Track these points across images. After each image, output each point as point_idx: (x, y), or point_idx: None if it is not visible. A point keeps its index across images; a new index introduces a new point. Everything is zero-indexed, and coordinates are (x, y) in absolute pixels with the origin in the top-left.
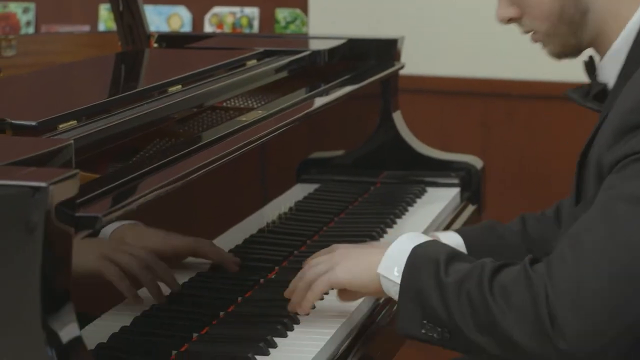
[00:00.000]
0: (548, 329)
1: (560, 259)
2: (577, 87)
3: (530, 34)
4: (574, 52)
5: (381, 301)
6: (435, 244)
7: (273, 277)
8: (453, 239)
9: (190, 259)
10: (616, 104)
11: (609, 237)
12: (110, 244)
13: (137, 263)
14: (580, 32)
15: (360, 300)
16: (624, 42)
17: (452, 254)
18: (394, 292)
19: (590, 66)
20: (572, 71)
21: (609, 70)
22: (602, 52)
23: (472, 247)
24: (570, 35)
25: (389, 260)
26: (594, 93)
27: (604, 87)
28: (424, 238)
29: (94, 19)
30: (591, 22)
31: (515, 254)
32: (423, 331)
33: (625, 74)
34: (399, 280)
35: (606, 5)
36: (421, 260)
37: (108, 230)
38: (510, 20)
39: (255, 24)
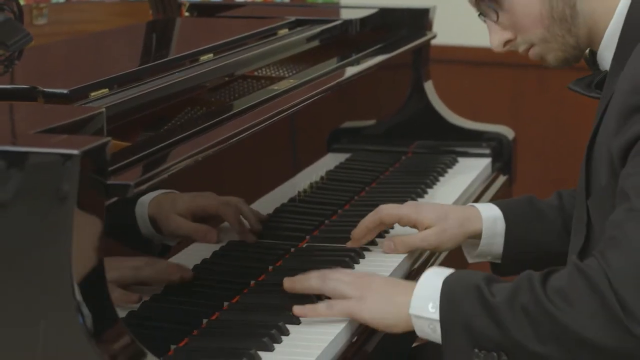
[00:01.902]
0: (620, 316)
1: (613, 247)
2: (580, 79)
3: (529, 51)
4: (575, 54)
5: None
6: (465, 272)
7: (304, 246)
8: (492, 211)
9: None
10: (616, 88)
11: None
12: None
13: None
14: (575, 28)
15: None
16: (615, 26)
17: (489, 277)
18: (430, 331)
19: (591, 57)
20: None
21: (607, 57)
22: (598, 44)
23: (510, 219)
24: (566, 34)
25: (419, 299)
26: (597, 82)
27: (605, 74)
28: (449, 271)
29: None
30: (582, 14)
31: (552, 228)
32: None
33: (619, 56)
34: (436, 316)
35: None
36: (458, 289)
37: (146, 200)
38: (506, 44)
39: None
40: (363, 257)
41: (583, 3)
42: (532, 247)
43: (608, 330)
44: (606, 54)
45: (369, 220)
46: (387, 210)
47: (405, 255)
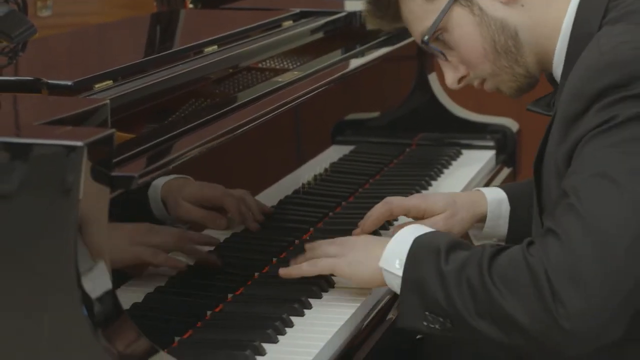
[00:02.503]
0: (551, 308)
1: (552, 239)
2: (539, 98)
3: (483, 85)
4: (528, 82)
5: None
6: (436, 234)
7: (308, 238)
8: (497, 194)
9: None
10: (559, 101)
11: (588, 213)
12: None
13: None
14: (522, 58)
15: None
16: (562, 45)
17: (453, 243)
18: (396, 285)
19: (551, 76)
20: None
21: (559, 75)
22: (551, 65)
23: (515, 202)
24: (514, 65)
25: (390, 253)
26: (555, 100)
27: None
28: (426, 229)
29: None
30: (526, 41)
31: None
32: (425, 323)
33: (566, 72)
34: (400, 273)
35: (533, 17)
36: (422, 250)
37: (159, 182)
38: (460, 80)
39: None
40: None
41: (525, 32)
42: None
43: (538, 321)
44: (558, 72)
45: (378, 212)
46: (397, 202)
47: None
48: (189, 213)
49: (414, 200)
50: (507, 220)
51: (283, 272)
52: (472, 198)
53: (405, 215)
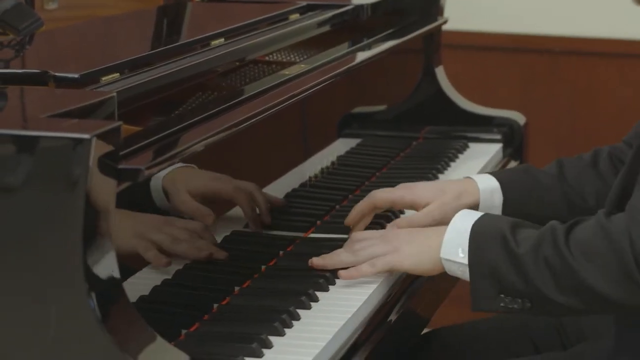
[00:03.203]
0: (635, 275)
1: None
2: None
3: None
4: None
5: None
6: (492, 217)
7: (314, 231)
8: (488, 182)
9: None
10: None
11: None
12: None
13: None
14: None
15: None
16: None
17: (514, 224)
18: (460, 273)
19: None
20: (615, 28)
21: None
22: None
23: (507, 190)
24: None
25: (450, 243)
26: None
27: None
28: (477, 214)
29: None
30: None
31: (550, 197)
32: (502, 305)
33: None
34: (465, 261)
35: None
36: (484, 236)
37: (160, 174)
38: None
39: None
40: None
41: None
42: (530, 219)
43: (621, 288)
44: None
45: (361, 206)
46: (380, 194)
47: None
48: (185, 204)
49: (399, 192)
50: (500, 210)
51: (344, 274)
52: (462, 186)
53: (391, 207)
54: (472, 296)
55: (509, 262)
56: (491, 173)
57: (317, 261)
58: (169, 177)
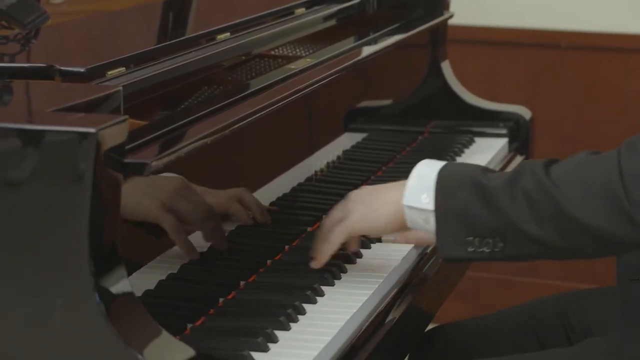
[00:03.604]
0: (624, 203)
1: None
2: None
3: None
4: None
5: (428, 251)
6: (460, 164)
7: (320, 226)
8: None
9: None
10: None
11: None
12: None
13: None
14: None
15: (411, 246)
16: None
17: (485, 167)
18: (422, 221)
19: None
20: (621, 22)
21: None
22: None
23: None
24: None
25: (412, 189)
26: None
27: None
28: (442, 163)
29: None
30: None
31: None
32: (470, 249)
33: None
34: (430, 206)
35: None
36: (453, 179)
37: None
38: None
39: None
40: (369, 247)
41: None
42: None
43: (608, 218)
44: None
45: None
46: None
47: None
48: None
49: None
50: None
51: (314, 264)
52: None
53: None
54: (439, 242)
55: (480, 198)
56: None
57: (313, 264)
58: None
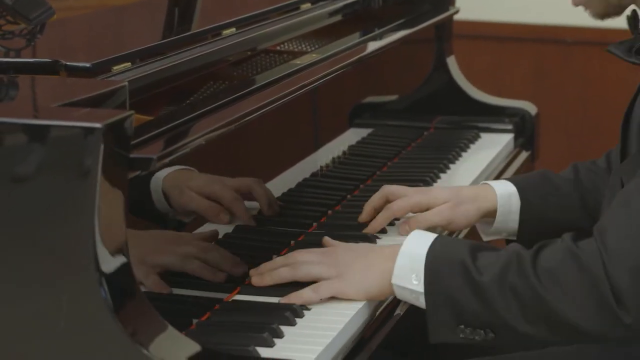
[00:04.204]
0: (612, 305)
1: (614, 225)
2: (620, 42)
3: None
4: (616, 10)
5: None
6: (448, 241)
7: (325, 220)
8: (506, 187)
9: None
10: None
11: None
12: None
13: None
14: None
15: None
16: None
17: (474, 248)
18: (414, 299)
19: (633, 21)
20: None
21: None
22: None
23: (524, 194)
24: None
25: (402, 269)
26: (637, 47)
27: None
28: (431, 236)
29: None
30: None
31: (568, 204)
32: (462, 336)
33: None
34: (420, 289)
35: None
36: (442, 263)
37: (161, 174)
38: None
39: None
40: (379, 237)
41: None
42: (548, 223)
43: (597, 317)
44: None
45: (382, 218)
46: (399, 204)
47: None
48: (193, 202)
49: (415, 198)
50: (517, 215)
51: (285, 300)
52: (478, 191)
53: (410, 212)
54: (430, 327)
55: (470, 291)
56: (507, 179)
57: (255, 279)
58: (170, 178)
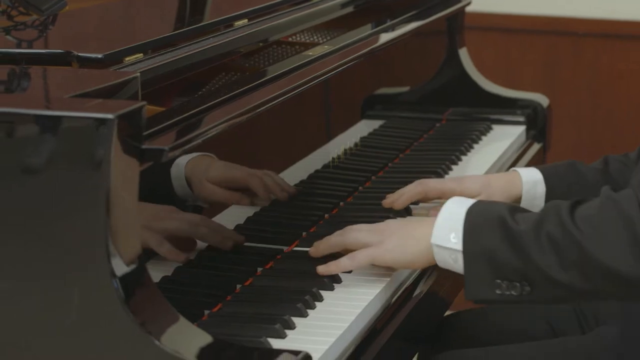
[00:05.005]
0: None
1: None
2: None
3: None
4: None
5: None
6: (488, 203)
7: (337, 212)
8: (532, 174)
9: None
10: None
11: None
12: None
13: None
14: None
15: None
16: None
17: (513, 207)
18: (451, 261)
19: None
20: (638, 9)
21: None
22: None
23: (551, 183)
24: None
25: (441, 228)
26: None
27: None
28: (472, 200)
29: None
30: None
31: (593, 192)
32: (498, 292)
33: None
34: (458, 247)
35: None
36: (481, 219)
37: (182, 161)
38: None
39: None
40: None
41: None
42: None
43: (630, 257)
44: None
45: (413, 192)
46: (433, 184)
47: None
48: (215, 194)
49: (450, 184)
50: (542, 201)
51: (322, 269)
52: (508, 179)
53: (440, 198)
54: (466, 283)
55: (508, 241)
56: (536, 166)
57: (312, 250)
58: (190, 165)
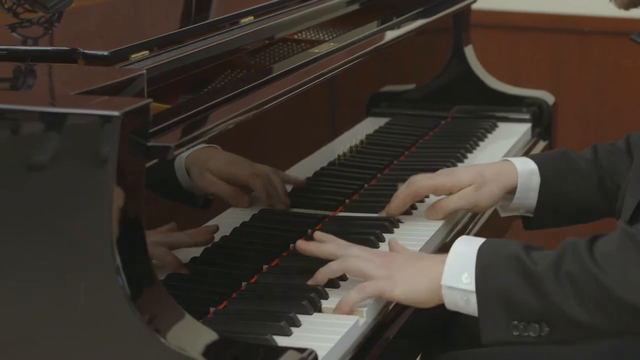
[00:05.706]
0: None
1: None
2: None
3: None
4: None
5: (448, 240)
6: (500, 242)
7: (342, 210)
8: (526, 164)
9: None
10: None
11: None
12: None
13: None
14: None
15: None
16: None
17: (527, 246)
18: (463, 303)
19: None
20: None
21: None
22: None
23: (544, 172)
24: None
25: (452, 268)
26: None
27: None
28: (480, 239)
29: None
30: None
31: (587, 183)
32: (515, 333)
33: None
34: (471, 287)
35: None
36: (495, 258)
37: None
38: None
39: None
40: (397, 226)
41: None
42: (565, 201)
43: None
44: None
45: (404, 194)
46: (421, 182)
47: (441, 224)
48: (212, 186)
49: (439, 179)
50: (537, 191)
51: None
52: (501, 169)
53: (433, 194)
54: (482, 325)
55: (525, 282)
56: (528, 156)
57: (300, 243)
58: (191, 157)
